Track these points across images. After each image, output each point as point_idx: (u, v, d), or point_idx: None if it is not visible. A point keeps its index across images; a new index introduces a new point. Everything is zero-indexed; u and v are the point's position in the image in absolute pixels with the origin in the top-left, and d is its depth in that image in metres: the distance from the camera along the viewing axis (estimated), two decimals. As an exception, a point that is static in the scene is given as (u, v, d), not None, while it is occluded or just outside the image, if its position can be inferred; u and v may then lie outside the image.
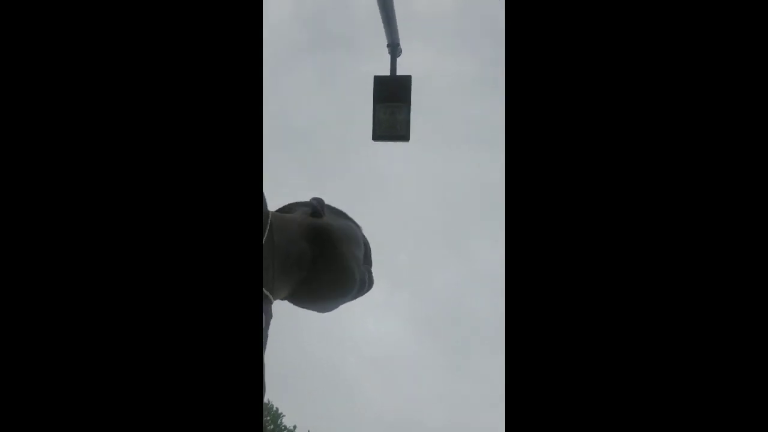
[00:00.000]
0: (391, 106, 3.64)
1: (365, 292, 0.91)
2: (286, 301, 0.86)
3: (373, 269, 0.95)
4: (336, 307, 0.91)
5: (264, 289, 0.74)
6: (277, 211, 0.93)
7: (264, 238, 0.75)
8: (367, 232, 0.96)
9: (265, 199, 0.80)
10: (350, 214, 0.96)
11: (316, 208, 0.89)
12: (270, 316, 0.77)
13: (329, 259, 0.83)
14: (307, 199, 0.94)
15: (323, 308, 0.90)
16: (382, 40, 3.73)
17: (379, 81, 3.73)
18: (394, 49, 3.84)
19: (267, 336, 0.77)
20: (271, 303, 0.77)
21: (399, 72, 3.82)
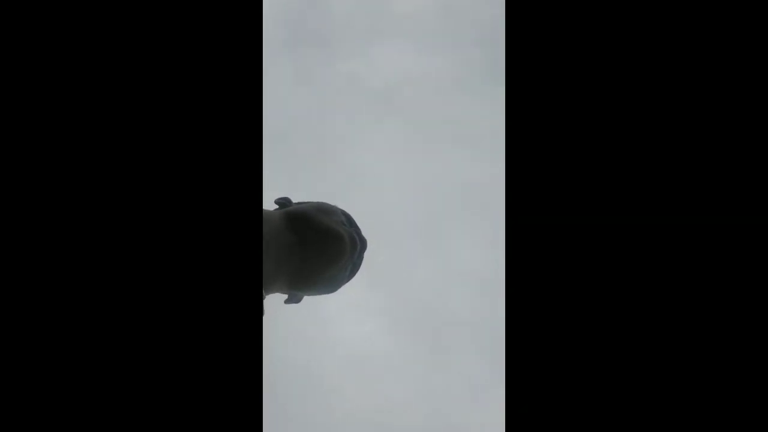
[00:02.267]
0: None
1: (363, 249, 0.90)
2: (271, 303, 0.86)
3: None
4: (343, 277, 0.89)
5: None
6: None
7: None
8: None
9: None
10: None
11: (282, 202, 0.92)
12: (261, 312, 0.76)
13: (311, 231, 0.82)
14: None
15: (330, 284, 0.88)
16: (361, 38, 3.75)
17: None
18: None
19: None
20: (263, 298, 0.77)
21: (381, 72, 3.77)
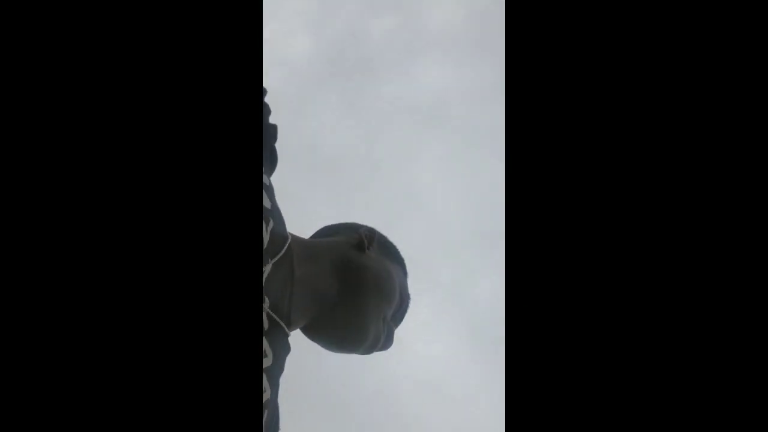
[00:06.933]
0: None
1: (378, 350, 0.82)
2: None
3: (417, 290, 0.88)
4: (343, 353, 0.83)
5: (280, 321, 0.69)
6: (322, 230, 0.87)
7: (275, 260, 0.68)
8: (404, 254, 0.88)
9: (283, 223, 0.76)
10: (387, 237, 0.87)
11: (362, 241, 0.80)
12: (287, 349, 0.72)
13: (349, 307, 0.76)
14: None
15: (331, 349, 0.82)
16: (400, 59, 3.92)
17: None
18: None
19: (282, 369, 0.71)
20: (287, 335, 0.72)
21: (424, 89, 3.83)
